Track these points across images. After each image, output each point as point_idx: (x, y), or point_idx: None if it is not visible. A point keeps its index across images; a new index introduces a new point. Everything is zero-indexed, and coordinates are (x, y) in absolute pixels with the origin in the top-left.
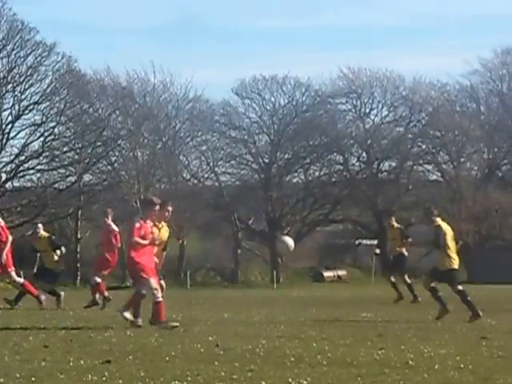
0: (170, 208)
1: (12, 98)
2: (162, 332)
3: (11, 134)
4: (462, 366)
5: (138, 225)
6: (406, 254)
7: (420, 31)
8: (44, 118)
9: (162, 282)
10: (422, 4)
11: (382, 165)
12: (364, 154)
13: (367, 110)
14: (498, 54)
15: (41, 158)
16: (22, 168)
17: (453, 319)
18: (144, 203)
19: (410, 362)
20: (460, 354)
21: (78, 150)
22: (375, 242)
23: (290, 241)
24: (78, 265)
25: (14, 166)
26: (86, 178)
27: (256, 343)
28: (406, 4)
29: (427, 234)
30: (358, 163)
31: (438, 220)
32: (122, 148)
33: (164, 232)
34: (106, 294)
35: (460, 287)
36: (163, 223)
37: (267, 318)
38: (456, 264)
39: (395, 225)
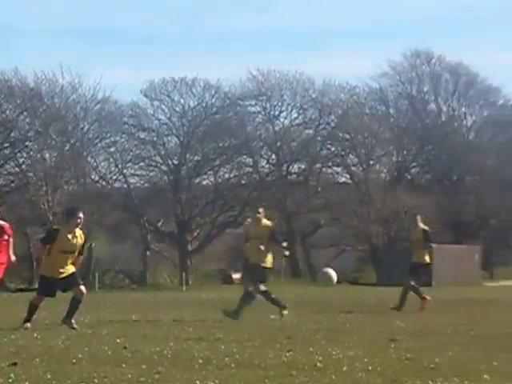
0: (81, 215)
1: None
2: (70, 334)
3: None
4: (370, 367)
5: None
6: (426, 261)
7: (329, 33)
8: None
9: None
10: (330, 6)
11: (291, 167)
12: (273, 157)
13: (277, 113)
14: (408, 57)
15: None
16: None
17: (361, 321)
18: (68, 213)
19: (318, 364)
20: (368, 356)
21: None
22: (285, 243)
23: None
24: None
25: None
26: None
27: (164, 345)
28: (314, 6)
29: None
30: (267, 165)
31: None
32: (30, 149)
33: (79, 239)
34: None
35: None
36: (78, 229)
37: (175, 320)
38: (268, 263)
39: (420, 225)
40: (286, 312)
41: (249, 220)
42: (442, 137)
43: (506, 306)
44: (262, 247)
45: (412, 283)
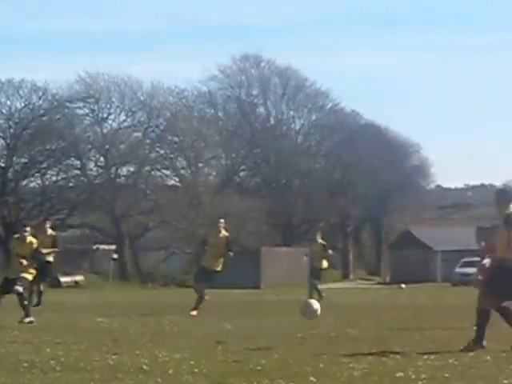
0: None
1: None
2: None
3: None
4: (196, 370)
5: None
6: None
7: (158, 36)
8: None
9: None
10: (160, 8)
11: (119, 170)
12: (102, 159)
13: (105, 115)
14: (237, 61)
15: None
16: None
17: (190, 324)
18: None
19: (144, 367)
20: (195, 359)
21: None
22: (113, 246)
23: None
24: None
25: None
26: None
27: None
28: (144, 8)
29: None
30: (95, 168)
31: None
32: None
33: None
34: None
35: None
36: None
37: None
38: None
39: (223, 232)
40: None
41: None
42: (270, 140)
43: (332, 308)
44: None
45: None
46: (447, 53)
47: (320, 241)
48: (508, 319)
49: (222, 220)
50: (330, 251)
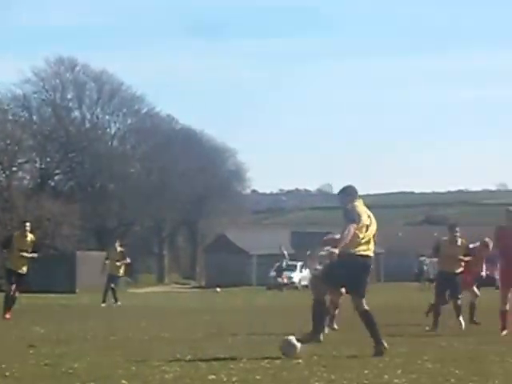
0: None
1: None
2: None
3: None
4: (7, 373)
5: None
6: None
7: None
8: None
9: None
10: None
11: None
12: None
13: None
14: (51, 64)
15: None
16: None
17: (2, 327)
18: None
19: None
20: (6, 362)
21: None
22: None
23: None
24: None
25: None
26: None
27: None
28: None
29: None
30: None
31: None
32: None
33: None
34: None
35: None
36: None
37: None
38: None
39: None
40: None
41: None
42: (85, 144)
43: (146, 312)
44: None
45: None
46: (263, 60)
47: (119, 248)
48: (367, 323)
49: (27, 223)
50: (128, 259)
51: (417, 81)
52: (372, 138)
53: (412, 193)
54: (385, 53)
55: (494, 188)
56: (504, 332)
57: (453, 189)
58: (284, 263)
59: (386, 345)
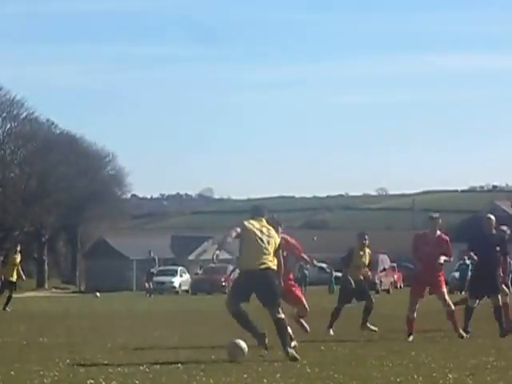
0: None
1: None
2: None
3: None
4: None
5: None
6: None
7: None
8: None
9: None
10: None
11: None
12: None
13: None
14: None
15: None
16: None
17: None
18: None
19: None
20: None
21: None
22: None
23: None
24: None
25: None
26: None
27: None
28: None
29: None
30: None
31: None
32: None
33: None
34: None
35: None
36: None
37: None
38: None
39: None
40: None
41: None
42: None
43: (25, 317)
44: None
45: None
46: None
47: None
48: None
49: None
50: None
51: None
52: (249, 143)
53: (292, 197)
54: None
55: (374, 193)
56: (410, 338)
57: (333, 193)
58: (154, 269)
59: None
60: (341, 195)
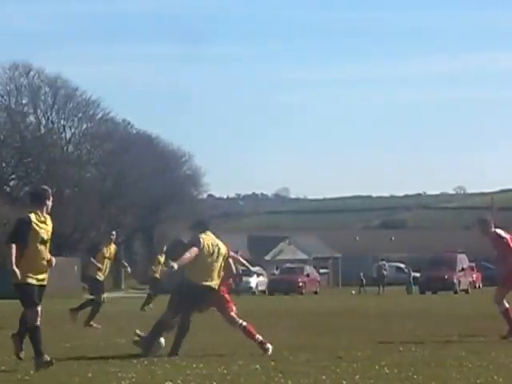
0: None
1: None
2: None
3: None
4: None
5: None
6: None
7: None
8: None
9: None
10: None
11: None
12: None
13: None
14: (6, 69)
15: None
16: None
17: None
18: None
19: None
20: None
21: None
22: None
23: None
24: None
25: None
26: None
27: None
28: None
29: None
30: None
31: None
32: None
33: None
34: None
35: None
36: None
37: None
38: None
39: None
40: None
41: None
42: (40, 149)
43: (102, 317)
44: None
45: None
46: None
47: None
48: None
49: (113, 233)
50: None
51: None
52: (325, 142)
53: (369, 197)
54: None
55: (452, 192)
56: None
57: (411, 192)
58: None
59: None
60: (418, 194)
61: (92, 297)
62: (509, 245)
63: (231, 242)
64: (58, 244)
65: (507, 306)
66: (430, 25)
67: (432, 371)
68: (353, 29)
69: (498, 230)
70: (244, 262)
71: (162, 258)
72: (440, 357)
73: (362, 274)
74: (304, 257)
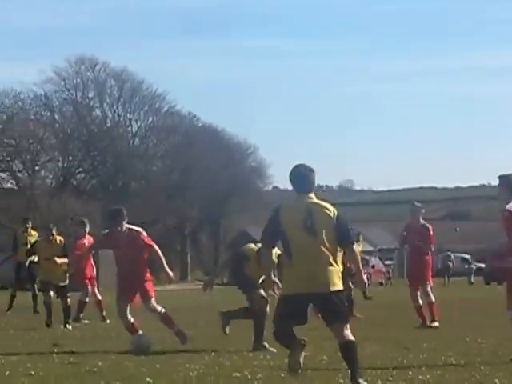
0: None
1: None
2: None
3: None
4: (32, 372)
5: None
6: None
7: None
8: None
9: None
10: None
11: None
12: None
13: None
14: (72, 63)
15: None
16: None
17: (25, 326)
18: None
19: None
20: (31, 361)
21: None
22: None
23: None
24: None
25: None
26: None
27: None
28: None
29: None
30: None
31: None
32: None
33: None
34: None
35: None
36: None
37: None
38: None
39: None
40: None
41: None
42: (107, 143)
43: (170, 310)
44: None
45: None
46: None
47: None
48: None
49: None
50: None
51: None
52: (394, 134)
53: (434, 188)
54: None
55: None
56: None
57: (475, 183)
58: None
59: None
60: (483, 185)
61: None
62: None
63: None
64: None
65: None
66: None
67: (500, 360)
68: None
69: None
70: None
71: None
72: (506, 347)
73: (440, 265)
74: (369, 248)
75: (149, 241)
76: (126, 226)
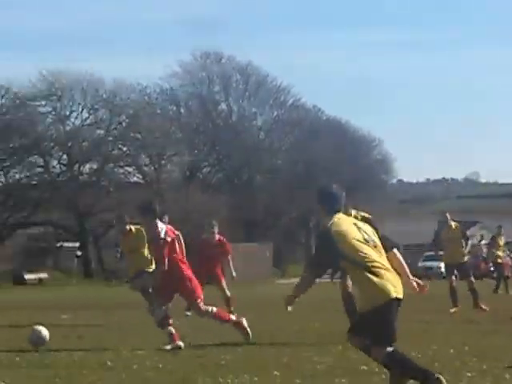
0: None
1: None
2: None
3: None
4: (160, 365)
5: None
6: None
7: (117, 33)
8: None
9: None
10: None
11: (82, 167)
12: (65, 157)
13: (67, 113)
14: (197, 57)
15: None
16: None
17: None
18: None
19: (109, 363)
20: (158, 355)
21: None
22: (77, 244)
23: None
24: None
25: None
26: None
27: None
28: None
29: None
30: (58, 165)
31: None
32: None
33: None
34: None
35: None
36: None
37: None
38: None
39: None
40: None
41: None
42: (232, 136)
43: (297, 302)
44: None
45: None
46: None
47: None
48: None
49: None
50: None
51: None
52: None
53: None
54: None
55: None
56: None
57: None
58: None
59: None
60: None
61: None
62: None
63: (420, 226)
64: (250, 230)
65: None
66: None
67: None
68: None
69: None
70: None
71: (501, 241)
72: None
73: None
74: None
75: None
76: None
